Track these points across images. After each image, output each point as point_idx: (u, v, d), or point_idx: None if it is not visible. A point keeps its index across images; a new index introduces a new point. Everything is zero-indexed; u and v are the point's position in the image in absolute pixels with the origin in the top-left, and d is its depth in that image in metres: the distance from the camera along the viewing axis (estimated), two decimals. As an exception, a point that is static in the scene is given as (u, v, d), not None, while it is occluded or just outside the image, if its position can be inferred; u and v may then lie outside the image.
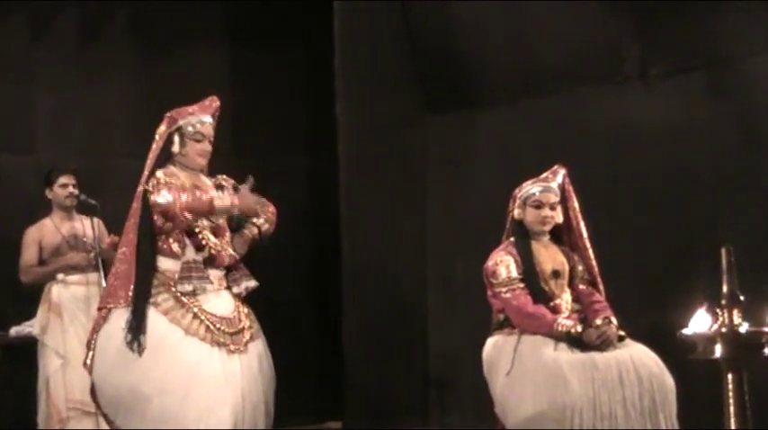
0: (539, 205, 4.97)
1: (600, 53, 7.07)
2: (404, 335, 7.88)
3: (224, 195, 4.55)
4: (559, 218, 5.02)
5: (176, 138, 4.57)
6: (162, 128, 4.61)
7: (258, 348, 4.54)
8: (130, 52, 7.92)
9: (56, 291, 6.63)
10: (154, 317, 4.37)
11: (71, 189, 6.71)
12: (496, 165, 7.34)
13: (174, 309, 4.41)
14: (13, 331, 6.65)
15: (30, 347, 6.56)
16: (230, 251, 4.60)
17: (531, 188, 5.02)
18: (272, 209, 4.85)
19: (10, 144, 7.44)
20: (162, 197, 4.40)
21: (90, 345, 4.50)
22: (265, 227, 4.76)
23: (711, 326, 3.84)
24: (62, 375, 6.46)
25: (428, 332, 7.95)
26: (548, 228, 5.00)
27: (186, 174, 4.62)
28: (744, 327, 3.78)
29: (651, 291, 6.37)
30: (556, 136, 7.08)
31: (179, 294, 4.43)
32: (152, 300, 4.40)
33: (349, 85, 7.98)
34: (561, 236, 5.09)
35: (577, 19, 6.96)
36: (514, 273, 4.87)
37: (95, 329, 4.49)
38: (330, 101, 8.07)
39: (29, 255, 6.70)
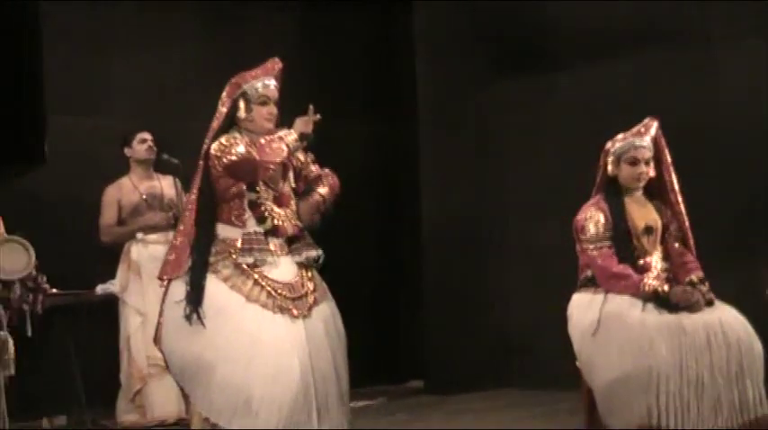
0: (634, 161, 4.95)
1: (683, 11, 7.06)
2: (484, 297, 7.98)
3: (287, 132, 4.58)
4: (653, 172, 4.99)
5: (242, 104, 4.58)
6: (225, 94, 4.65)
7: (324, 312, 4.55)
8: (201, 15, 8.06)
9: (135, 251, 6.80)
10: (214, 284, 4.42)
11: (150, 143, 6.87)
12: (575, 126, 7.37)
13: (234, 275, 4.44)
14: (99, 289, 6.79)
15: (112, 306, 6.79)
16: (294, 221, 4.62)
17: (625, 143, 4.98)
18: (333, 179, 4.86)
19: (83, 107, 7.60)
20: (236, 154, 4.42)
21: (158, 320, 4.60)
22: (330, 196, 4.75)
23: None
24: (142, 333, 6.62)
25: (508, 295, 8.02)
26: (642, 184, 4.99)
27: (249, 140, 4.57)
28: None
29: (738, 252, 6.40)
30: (636, 96, 7.08)
31: (239, 262, 4.49)
32: (212, 268, 4.46)
33: (427, 48, 8.05)
34: (653, 190, 5.06)
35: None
36: (603, 231, 4.89)
37: (163, 301, 4.59)
38: (405, 64, 8.13)
39: (108, 214, 6.90)
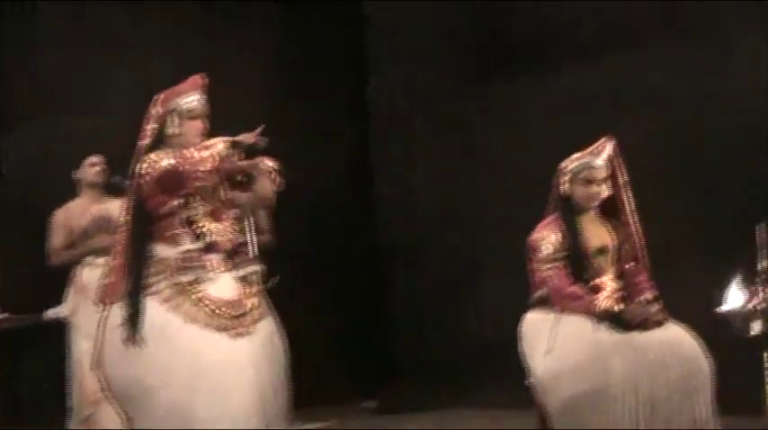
0: (589, 181, 5.00)
1: (657, 17, 7.13)
2: (446, 313, 8.00)
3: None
4: (608, 192, 5.04)
5: (171, 120, 4.58)
6: (153, 110, 4.62)
7: (267, 328, 4.55)
8: (167, 28, 8.05)
9: (84, 274, 6.78)
10: (153, 306, 4.41)
11: (99, 168, 6.86)
12: (551, 132, 7.39)
13: (173, 296, 4.43)
14: (50, 313, 6.80)
15: (62, 329, 6.73)
16: (232, 235, 4.62)
17: (581, 163, 5.03)
18: (271, 159, 4.73)
19: (80, 107, 7.56)
20: (163, 167, 4.42)
21: (95, 344, 4.57)
22: (277, 166, 4.67)
23: (748, 304, 3.90)
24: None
25: (471, 309, 8.05)
26: (596, 203, 5.05)
27: (178, 153, 4.53)
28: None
29: (690, 267, 6.46)
30: (604, 104, 7.12)
31: (178, 281, 4.48)
32: (151, 289, 4.44)
33: (392, 54, 8.08)
34: (608, 209, 5.10)
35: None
36: (557, 252, 4.94)
37: (98, 327, 4.56)
38: (372, 71, 8.15)
39: (57, 238, 6.87)
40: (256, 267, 4.64)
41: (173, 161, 4.43)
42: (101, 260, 6.73)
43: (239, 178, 4.70)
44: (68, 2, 7.63)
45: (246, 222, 6.03)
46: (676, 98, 7.00)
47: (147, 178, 4.45)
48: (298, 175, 4.69)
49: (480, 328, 7.89)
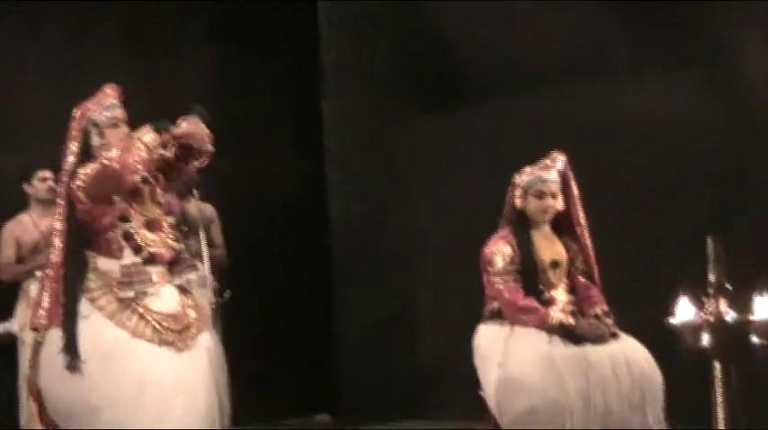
0: (541, 195, 5.05)
1: (590, 50, 7.21)
2: (394, 329, 8.05)
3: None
4: (560, 205, 5.09)
5: (92, 132, 4.56)
6: (73, 129, 4.59)
7: (206, 341, 4.55)
8: (116, 54, 8.00)
9: (34, 289, 6.68)
10: (100, 322, 4.39)
11: (51, 183, 6.78)
12: (485, 162, 7.46)
13: (118, 311, 4.42)
14: (0, 328, 6.70)
15: (12, 345, 6.66)
16: (170, 244, 4.60)
17: (533, 177, 5.08)
18: None
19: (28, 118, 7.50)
20: (93, 172, 4.38)
21: (33, 367, 4.54)
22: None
23: (698, 316, 3.93)
24: (43, 373, 6.51)
25: (418, 326, 8.09)
26: (549, 217, 5.09)
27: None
28: (730, 316, 3.89)
29: (639, 281, 6.52)
30: (545, 133, 7.20)
31: (123, 297, 4.46)
32: (95, 303, 4.42)
33: (337, 85, 8.14)
34: (560, 223, 5.15)
35: (568, 15, 7.13)
36: (510, 265, 4.98)
37: (35, 351, 4.52)
38: (317, 101, 8.18)
39: (6, 252, 6.81)
40: (194, 274, 4.62)
41: (102, 162, 4.40)
42: (51, 275, 6.70)
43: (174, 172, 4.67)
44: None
45: (201, 236, 6.03)
46: (621, 121, 7.07)
47: (82, 193, 4.41)
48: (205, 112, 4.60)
49: (431, 341, 7.92)
